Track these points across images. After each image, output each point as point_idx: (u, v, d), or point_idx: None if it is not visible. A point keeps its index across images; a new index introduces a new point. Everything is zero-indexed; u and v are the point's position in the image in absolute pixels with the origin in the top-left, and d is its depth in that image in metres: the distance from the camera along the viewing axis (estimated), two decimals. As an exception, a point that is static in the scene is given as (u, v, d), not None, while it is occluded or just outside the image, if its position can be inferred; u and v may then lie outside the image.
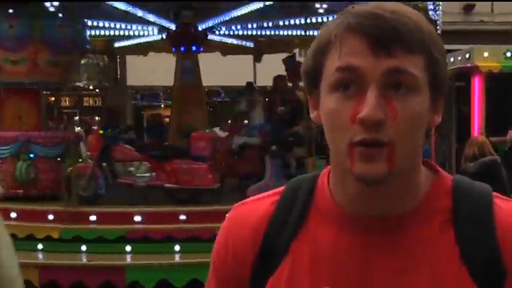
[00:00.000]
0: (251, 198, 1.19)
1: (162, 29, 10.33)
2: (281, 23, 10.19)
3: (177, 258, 7.19)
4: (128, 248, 7.21)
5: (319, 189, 1.11)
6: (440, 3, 9.40)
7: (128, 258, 7.21)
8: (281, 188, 1.16)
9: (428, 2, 8.70)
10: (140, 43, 12.12)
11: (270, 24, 10.41)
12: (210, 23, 9.92)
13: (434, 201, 1.06)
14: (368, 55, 0.97)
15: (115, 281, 6.91)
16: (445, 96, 1.09)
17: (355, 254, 1.04)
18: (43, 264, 7.12)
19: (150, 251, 7.22)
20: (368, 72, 0.97)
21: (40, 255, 7.33)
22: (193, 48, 10.03)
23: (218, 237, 1.17)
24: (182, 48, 10.18)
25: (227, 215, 1.18)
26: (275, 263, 1.09)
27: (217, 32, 10.79)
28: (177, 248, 7.20)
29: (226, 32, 11.12)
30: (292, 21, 10.02)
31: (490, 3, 19.83)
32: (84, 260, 7.17)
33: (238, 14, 9.38)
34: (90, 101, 25.91)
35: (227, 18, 9.69)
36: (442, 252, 1.03)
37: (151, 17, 9.49)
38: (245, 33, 11.21)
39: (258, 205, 1.15)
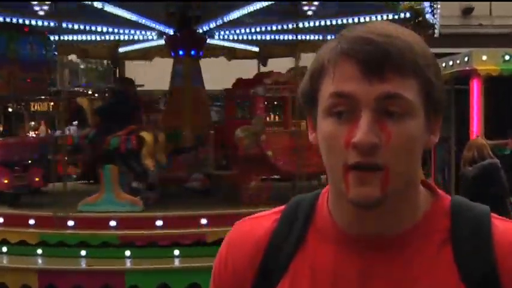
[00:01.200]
0: (252, 216, 1.19)
1: (160, 34, 10.32)
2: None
3: (176, 262, 7.18)
4: (128, 252, 7.21)
5: (318, 208, 1.13)
6: (439, 6, 9.39)
7: (128, 262, 7.20)
8: (282, 207, 1.17)
9: (425, 3, 8.67)
10: (145, 48, 12.19)
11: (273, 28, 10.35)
12: (205, 27, 9.89)
13: (433, 221, 1.07)
14: (361, 80, 0.98)
15: (114, 285, 6.90)
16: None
17: (354, 271, 1.05)
18: (42, 268, 7.11)
19: (149, 256, 7.22)
20: (361, 98, 0.98)
21: (39, 260, 7.33)
22: (180, 52, 10.04)
23: (219, 254, 1.18)
24: (173, 53, 10.21)
25: (229, 232, 1.19)
26: (274, 280, 1.10)
27: (216, 37, 10.77)
28: (176, 252, 7.21)
29: (227, 37, 11.10)
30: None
31: (488, 6, 19.86)
32: (84, 265, 7.16)
33: (236, 17, 9.36)
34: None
35: (220, 22, 9.66)
36: (440, 271, 1.04)
37: (148, 22, 9.53)
38: (247, 37, 11.20)
39: (259, 222, 1.16)
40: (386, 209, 1.02)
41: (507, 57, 10.74)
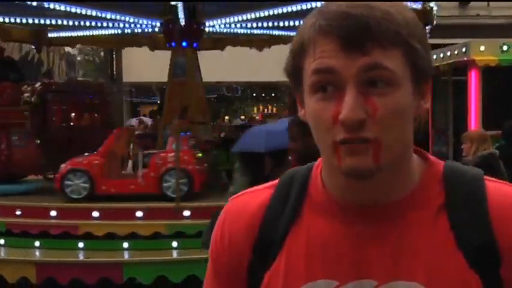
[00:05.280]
0: (249, 190, 1.18)
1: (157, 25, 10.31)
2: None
3: (175, 254, 7.19)
4: (126, 244, 7.21)
5: (312, 181, 1.12)
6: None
7: (126, 254, 7.20)
8: (275, 181, 1.16)
9: None
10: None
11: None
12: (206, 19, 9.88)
13: (427, 188, 1.06)
14: (341, 55, 0.97)
15: (113, 278, 6.90)
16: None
17: (349, 243, 1.04)
18: (40, 261, 7.11)
19: (147, 247, 7.22)
20: (344, 72, 0.97)
21: (37, 252, 7.32)
22: (173, 44, 10.01)
23: (215, 229, 1.17)
24: (173, 44, 10.17)
25: (225, 206, 1.18)
26: (271, 256, 1.09)
27: (215, 28, 10.75)
28: (174, 244, 7.20)
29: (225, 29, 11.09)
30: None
31: (486, -3, 19.81)
32: (82, 257, 7.16)
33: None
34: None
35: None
36: (437, 238, 1.03)
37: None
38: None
39: (253, 197, 1.15)
40: (380, 179, 1.00)
41: (505, 48, 10.71)
